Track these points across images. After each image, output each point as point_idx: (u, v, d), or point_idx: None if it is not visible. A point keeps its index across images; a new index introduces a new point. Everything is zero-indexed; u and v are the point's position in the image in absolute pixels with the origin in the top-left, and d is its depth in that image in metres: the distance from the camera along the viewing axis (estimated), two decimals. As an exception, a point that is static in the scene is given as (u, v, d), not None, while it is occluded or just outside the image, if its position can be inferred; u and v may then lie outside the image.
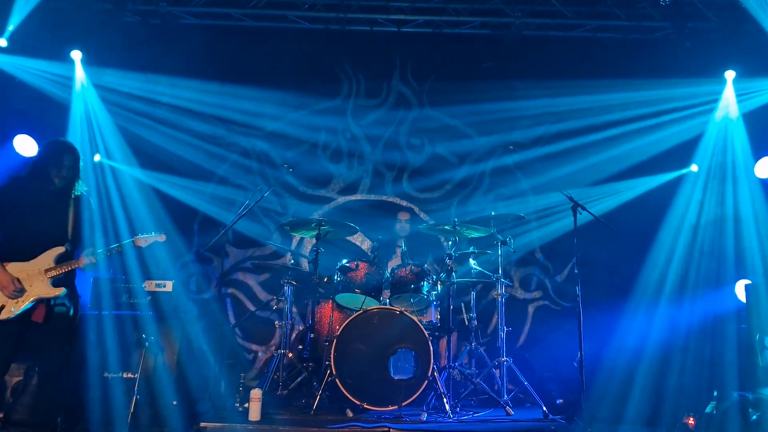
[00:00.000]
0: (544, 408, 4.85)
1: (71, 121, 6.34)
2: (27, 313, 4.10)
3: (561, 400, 5.52)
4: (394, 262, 6.36)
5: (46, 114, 6.45)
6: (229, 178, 7.00)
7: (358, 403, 4.63)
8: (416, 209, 7.10)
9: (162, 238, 4.30)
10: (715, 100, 6.51)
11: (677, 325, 5.89)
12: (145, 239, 4.27)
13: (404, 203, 7.11)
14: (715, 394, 4.76)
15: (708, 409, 4.66)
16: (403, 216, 6.59)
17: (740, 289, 5.62)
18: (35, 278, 4.07)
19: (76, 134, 6.33)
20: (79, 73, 6.42)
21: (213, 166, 6.97)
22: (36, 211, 4.16)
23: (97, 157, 6.60)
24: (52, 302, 4.14)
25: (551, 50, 6.89)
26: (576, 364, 5.06)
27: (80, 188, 4.28)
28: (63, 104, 6.40)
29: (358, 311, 4.93)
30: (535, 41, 6.83)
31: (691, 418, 5.26)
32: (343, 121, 7.15)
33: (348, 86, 7.18)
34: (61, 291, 4.10)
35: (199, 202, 6.82)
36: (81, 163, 4.28)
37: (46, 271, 4.08)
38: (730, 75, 6.37)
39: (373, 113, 7.17)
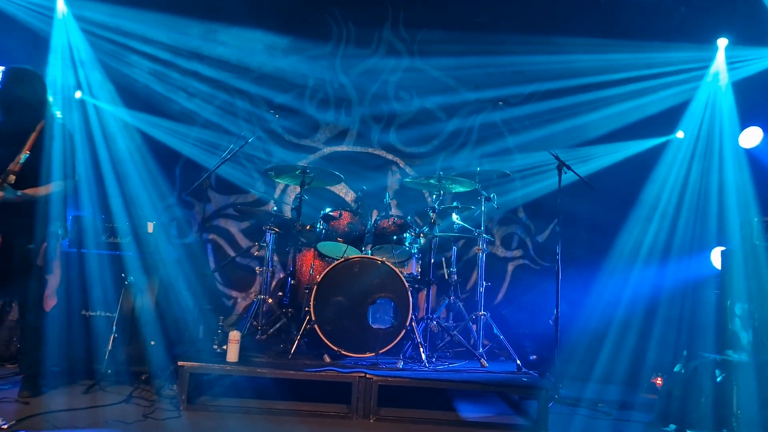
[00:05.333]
0: (518, 362, 4.94)
1: (51, 54, 6.13)
2: None
3: (534, 356, 5.63)
4: (377, 213, 6.37)
5: (23, 46, 6.25)
6: (214, 121, 6.86)
7: (335, 349, 4.67)
8: (401, 162, 7.06)
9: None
10: (706, 67, 6.48)
11: (654, 288, 6.01)
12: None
13: (390, 156, 7.07)
14: (684, 354, 4.88)
15: (676, 369, 4.77)
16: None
17: (716, 255, 5.71)
18: None
19: (57, 69, 6.13)
20: (60, 5, 6.19)
21: (198, 108, 6.83)
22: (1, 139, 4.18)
23: (78, 94, 6.44)
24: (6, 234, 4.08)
25: (544, 7, 6.77)
26: (551, 322, 5.15)
27: (42, 116, 4.19)
28: (43, 36, 6.18)
29: (339, 259, 4.93)
30: (529, -3, 6.73)
31: (659, 378, 5.42)
32: (331, 70, 7.00)
33: (338, 34, 6.99)
34: None
35: (182, 145, 6.69)
36: (17, 88, 4.19)
37: None
38: (722, 42, 6.33)
39: (362, 63, 7.02)
